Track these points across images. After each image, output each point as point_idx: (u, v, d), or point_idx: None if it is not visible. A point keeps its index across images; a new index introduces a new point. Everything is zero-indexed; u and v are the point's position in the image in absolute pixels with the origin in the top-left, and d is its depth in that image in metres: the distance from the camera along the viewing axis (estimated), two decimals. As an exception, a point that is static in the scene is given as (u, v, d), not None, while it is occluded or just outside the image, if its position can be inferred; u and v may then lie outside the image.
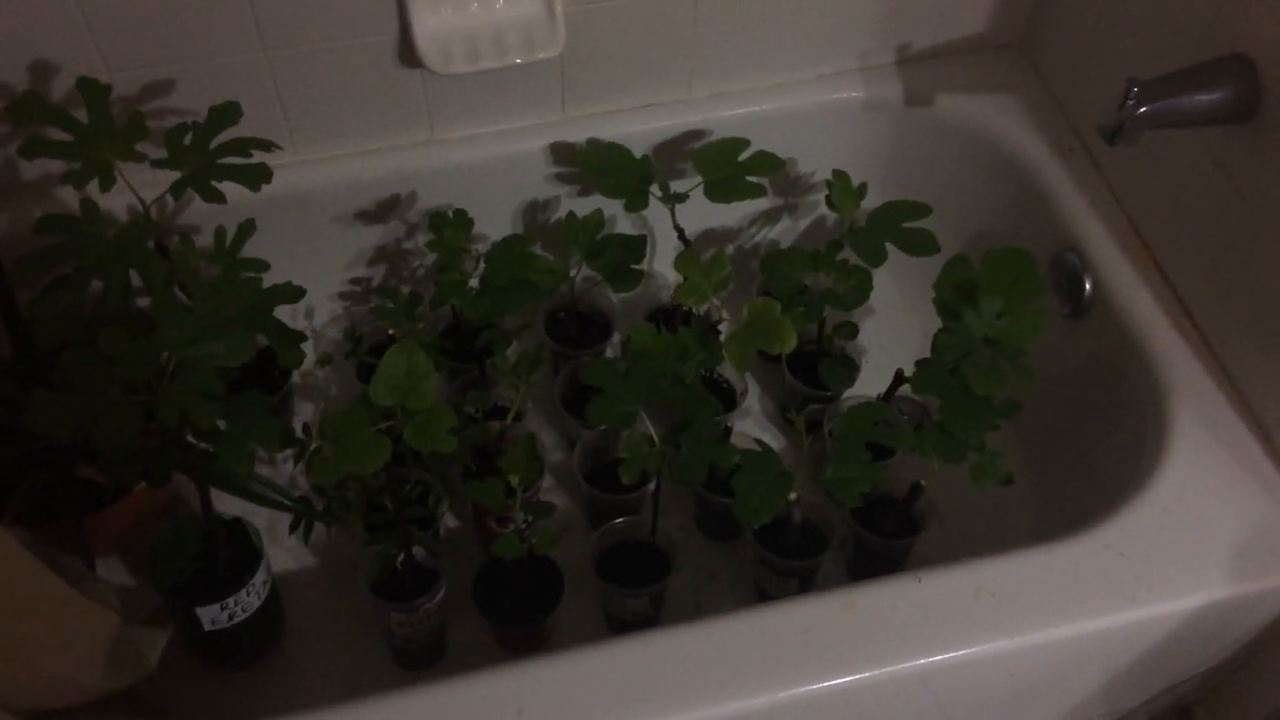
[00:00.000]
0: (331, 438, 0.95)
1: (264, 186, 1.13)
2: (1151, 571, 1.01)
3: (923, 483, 1.20)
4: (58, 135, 1.07)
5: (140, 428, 0.88)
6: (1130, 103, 1.01)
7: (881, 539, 1.21)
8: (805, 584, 1.23)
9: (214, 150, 1.08)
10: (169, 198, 1.09)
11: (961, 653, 0.97)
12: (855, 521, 1.21)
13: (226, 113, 1.10)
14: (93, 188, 1.07)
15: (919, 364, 1.14)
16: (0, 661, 0.84)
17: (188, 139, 1.08)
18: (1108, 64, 1.27)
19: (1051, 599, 0.99)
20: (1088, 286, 1.24)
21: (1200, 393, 1.13)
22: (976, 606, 0.99)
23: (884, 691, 0.99)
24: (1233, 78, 1.03)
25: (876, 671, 0.97)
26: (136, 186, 1.12)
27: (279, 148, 1.14)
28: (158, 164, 1.08)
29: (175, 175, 1.09)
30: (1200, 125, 1.06)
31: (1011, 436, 1.36)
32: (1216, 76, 1.04)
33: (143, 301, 1.24)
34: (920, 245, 1.24)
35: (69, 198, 1.21)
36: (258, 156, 1.11)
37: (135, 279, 1.14)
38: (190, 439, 0.98)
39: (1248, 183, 1.08)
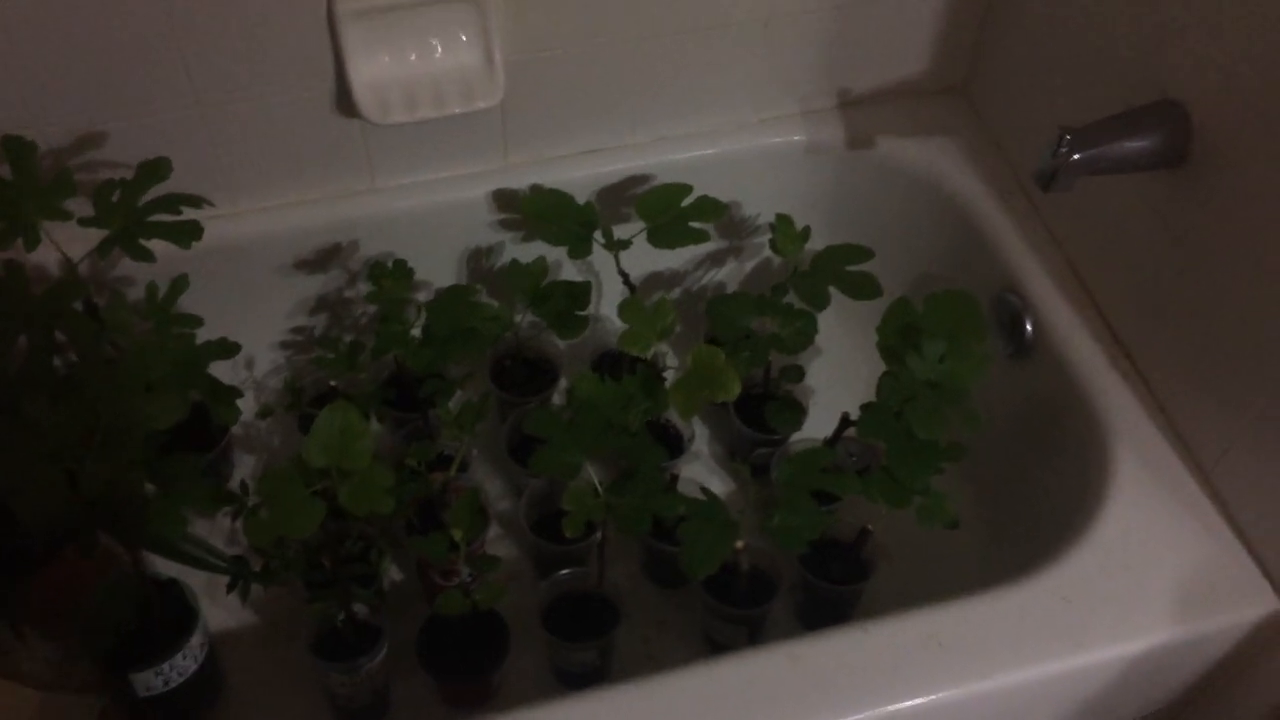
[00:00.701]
0: (265, 500, 0.93)
1: (202, 235, 1.11)
2: (1096, 616, 1.01)
3: (870, 527, 1.20)
4: (-18, 192, 1.04)
5: (64, 496, 0.86)
6: (1063, 150, 1.01)
7: (831, 585, 1.20)
8: (755, 631, 1.22)
9: (143, 207, 1.06)
10: (102, 259, 1.07)
11: (910, 703, 0.97)
12: (804, 568, 1.21)
13: (156, 168, 1.08)
14: (19, 248, 1.04)
15: (863, 407, 1.14)
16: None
17: (115, 196, 1.06)
18: (1045, 108, 1.29)
19: (999, 647, 0.99)
20: (1029, 327, 1.25)
21: (1140, 433, 1.13)
22: (924, 656, 0.99)
23: (832, 745, 0.98)
24: (1163, 123, 1.05)
25: (823, 725, 0.96)
26: (65, 242, 1.09)
27: (210, 204, 1.12)
28: (85, 223, 1.06)
29: (104, 231, 1.06)
30: (1133, 171, 1.07)
31: (957, 478, 1.36)
32: (1147, 122, 1.05)
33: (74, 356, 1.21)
34: (863, 289, 1.25)
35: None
36: (188, 214, 1.08)
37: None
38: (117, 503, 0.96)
39: (1182, 226, 1.09)
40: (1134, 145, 1.04)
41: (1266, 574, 1.04)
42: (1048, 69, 1.27)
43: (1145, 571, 1.04)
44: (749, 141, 1.40)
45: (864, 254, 1.26)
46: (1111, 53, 1.15)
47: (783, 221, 1.29)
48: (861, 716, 0.96)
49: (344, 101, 1.21)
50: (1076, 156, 1.02)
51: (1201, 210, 1.06)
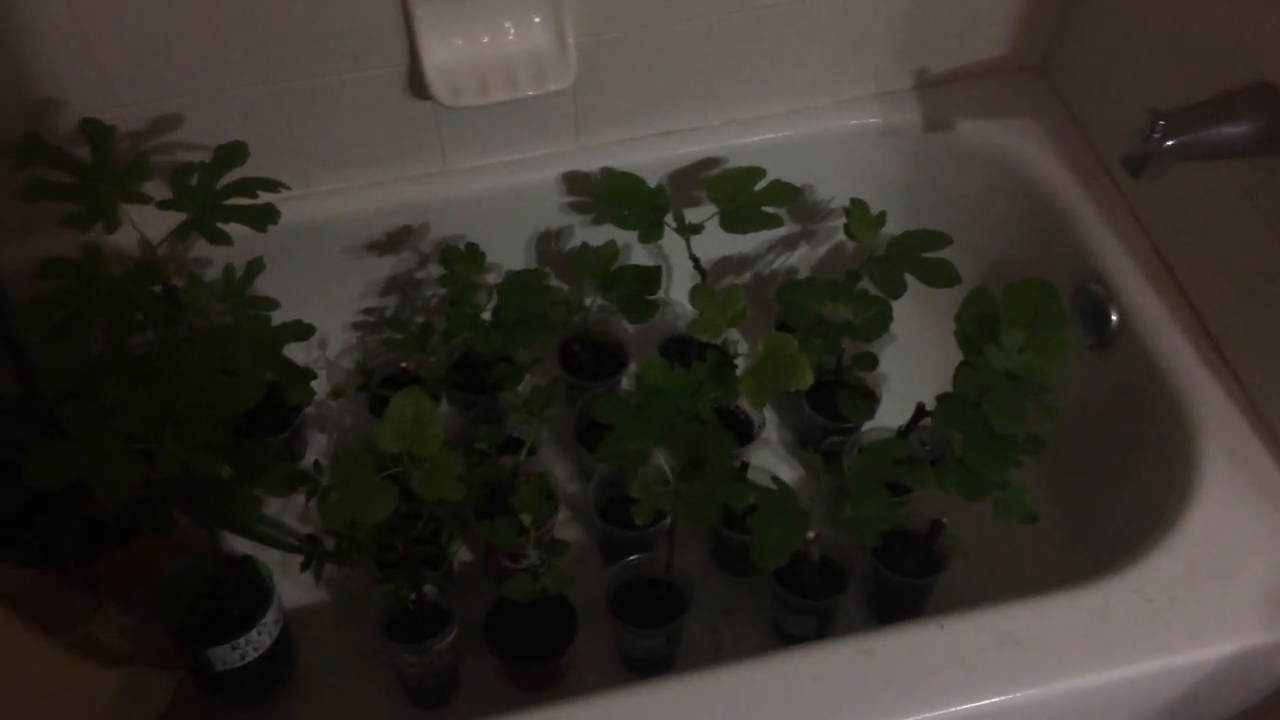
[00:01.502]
0: (338, 484, 0.93)
1: (279, 219, 1.11)
2: (1181, 617, 0.98)
3: (944, 520, 1.17)
4: (63, 177, 1.06)
5: (141, 478, 0.87)
6: (1156, 135, 0.98)
7: (903, 577, 1.18)
8: (824, 622, 1.21)
9: (220, 191, 1.07)
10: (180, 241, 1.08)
11: (984, 703, 0.95)
12: (875, 559, 1.19)
13: (233, 153, 1.08)
14: (99, 230, 1.06)
15: (940, 398, 1.11)
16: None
17: (194, 180, 1.07)
18: (1132, 88, 1.24)
19: (1077, 647, 0.97)
20: (1113, 318, 1.21)
21: (1230, 430, 1.09)
22: (1000, 654, 0.96)
23: (903, 741, 0.96)
24: (1259, 108, 1.00)
25: (895, 721, 0.94)
26: (145, 225, 1.11)
27: (286, 188, 1.13)
28: (163, 205, 1.07)
29: (181, 214, 1.08)
30: (1228, 157, 1.03)
31: (1034, 471, 1.32)
32: (1243, 107, 1.01)
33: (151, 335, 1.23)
34: (940, 276, 1.22)
35: (73, 238, 1.20)
36: (264, 197, 1.09)
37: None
38: (193, 484, 0.97)
39: (1277, 214, 1.04)
40: (1229, 131, 1.00)
41: (1362, 577, 1.01)
42: (1135, 48, 1.22)
43: (1233, 573, 1.00)
44: (823, 124, 1.37)
45: (942, 240, 1.23)
46: (1204, 32, 1.11)
47: (858, 206, 1.26)
48: (936, 714, 0.94)
49: (416, 84, 1.21)
50: (1170, 142, 0.98)
51: (1300, 198, 1.02)
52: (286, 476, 0.97)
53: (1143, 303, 1.19)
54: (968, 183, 1.38)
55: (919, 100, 1.37)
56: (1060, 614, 0.98)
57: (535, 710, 0.96)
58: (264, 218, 1.06)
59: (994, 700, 0.95)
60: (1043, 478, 1.32)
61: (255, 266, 1.10)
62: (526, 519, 1.11)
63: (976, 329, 1.11)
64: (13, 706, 0.84)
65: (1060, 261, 1.28)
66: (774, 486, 1.11)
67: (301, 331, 1.07)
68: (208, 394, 0.89)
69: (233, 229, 1.08)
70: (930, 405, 1.13)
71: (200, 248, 1.25)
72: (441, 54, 1.18)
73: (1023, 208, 1.34)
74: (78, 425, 0.85)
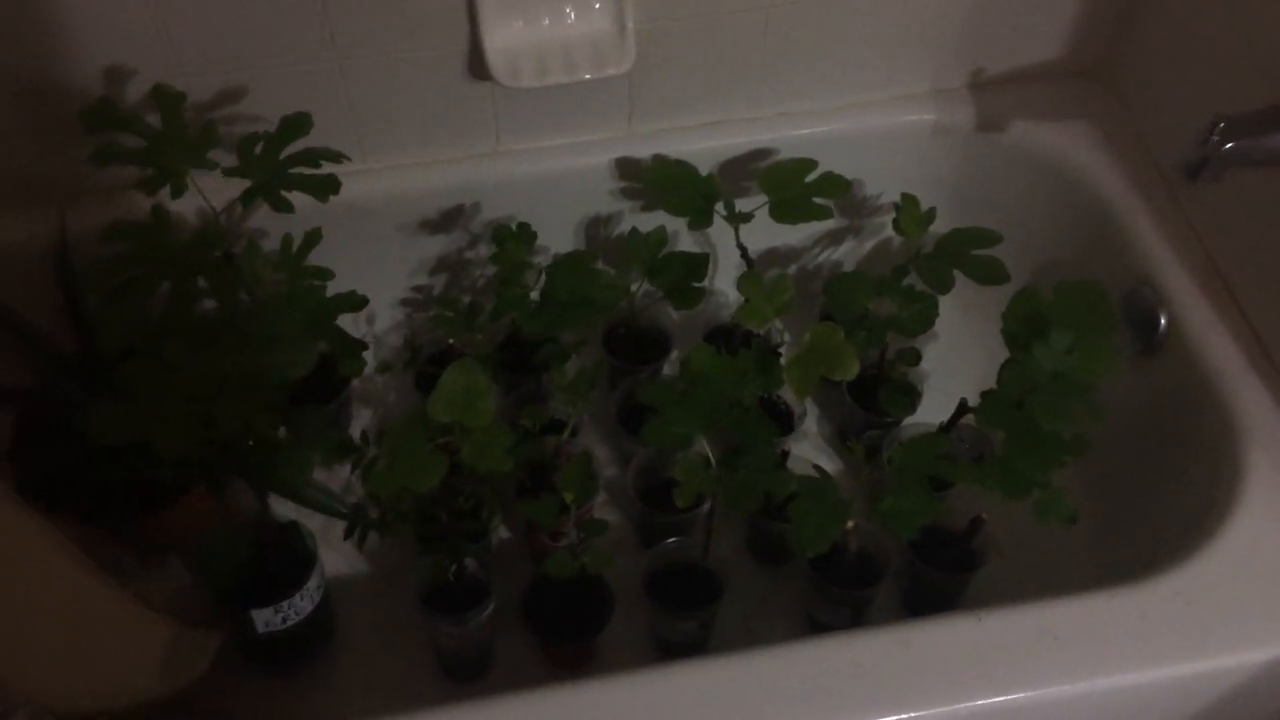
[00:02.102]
0: (388, 452, 0.95)
1: (340, 189, 1.13)
2: (1221, 622, 0.98)
3: (984, 516, 1.17)
4: (131, 140, 1.08)
5: (199, 437, 0.89)
6: (1215, 139, 0.97)
7: (939, 572, 1.19)
8: (859, 614, 1.21)
9: (284, 160, 1.09)
10: (238, 204, 1.10)
11: (1019, 695, 0.95)
12: (912, 554, 1.19)
13: (298, 123, 1.10)
14: (165, 192, 1.08)
15: (984, 395, 1.11)
16: (56, 666, 0.85)
17: (259, 148, 1.09)
18: (1192, 95, 1.24)
19: (1116, 645, 0.97)
20: (1162, 322, 1.21)
21: (1277, 438, 1.09)
22: (1038, 649, 0.97)
23: (937, 732, 0.97)
24: (1324, 115, 1.00)
25: (930, 711, 0.95)
26: (208, 193, 1.13)
27: (348, 159, 1.14)
28: (229, 173, 1.09)
29: (245, 183, 1.09)
30: (1288, 164, 1.03)
31: (1075, 473, 1.33)
32: (1307, 113, 1.00)
33: (209, 301, 1.25)
34: (990, 274, 1.22)
35: (141, 201, 1.22)
36: (326, 167, 1.11)
37: (203, 283, 1.15)
38: (249, 446, 0.99)
39: (1336, 223, 1.04)
40: (1291, 137, 1.00)
41: (1406, 590, 1.00)
42: (1196, 53, 1.22)
43: (1275, 580, 1.00)
44: (875, 119, 1.37)
45: (992, 238, 1.23)
46: (1268, 37, 1.10)
47: (908, 201, 1.27)
48: (972, 705, 0.94)
49: (476, 64, 1.22)
50: (1229, 146, 0.98)
51: (1359, 207, 1.01)
52: (339, 444, 0.99)
53: (1193, 308, 1.19)
54: (1019, 183, 1.38)
55: (974, 99, 1.38)
56: (1100, 612, 0.99)
57: (568, 686, 0.97)
58: (326, 187, 1.08)
59: (1031, 694, 0.95)
60: (1083, 481, 1.32)
61: (313, 236, 1.12)
62: (568, 497, 1.12)
63: (1024, 328, 1.11)
64: (74, 642, 0.86)
65: (1110, 265, 1.28)
66: (815, 475, 1.11)
67: (355, 302, 1.09)
68: (265, 359, 0.91)
69: (293, 205, 1.10)
70: (972, 403, 1.13)
71: (257, 219, 1.27)
72: (502, 35, 1.19)
73: (1074, 210, 1.33)
74: (140, 383, 0.86)
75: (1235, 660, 0.97)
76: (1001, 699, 0.95)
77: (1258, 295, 1.16)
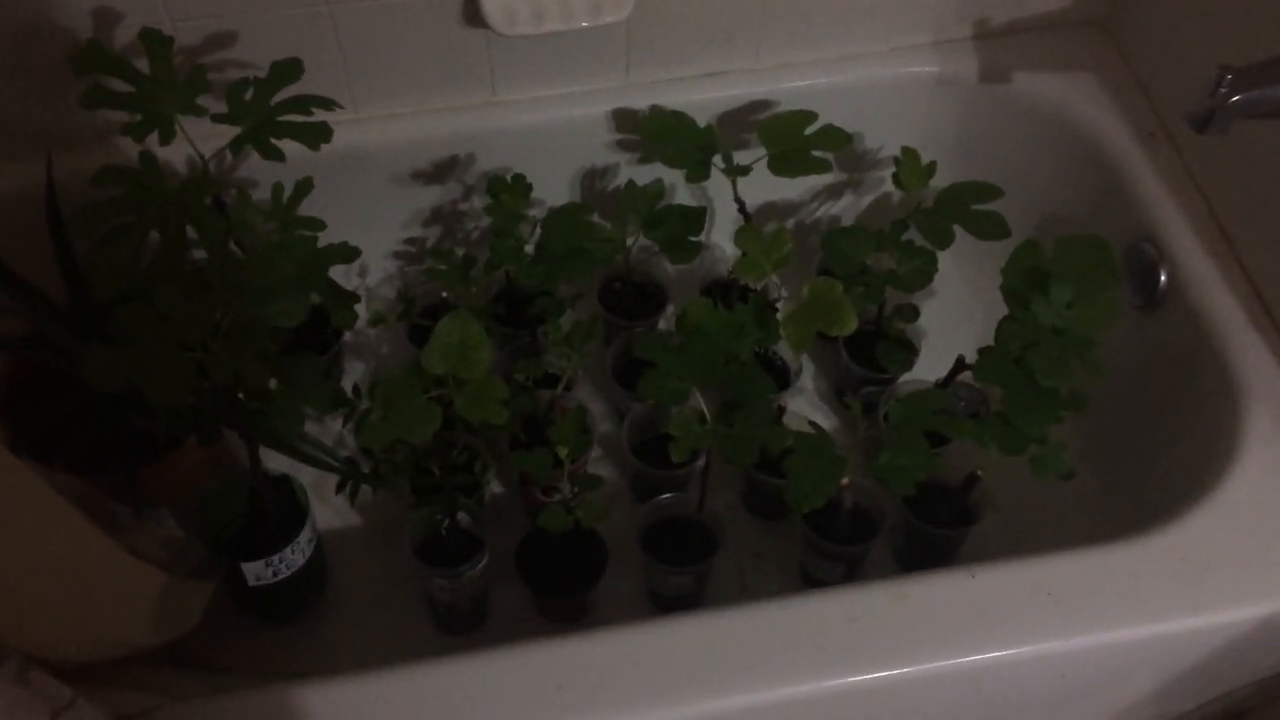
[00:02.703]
0: (382, 404, 0.94)
1: (331, 137, 1.11)
2: (1215, 578, 0.98)
3: (979, 472, 1.17)
4: (119, 86, 1.06)
5: (192, 385, 0.88)
6: (1222, 90, 0.96)
7: (934, 528, 1.18)
8: (853, 570, 1.21)
9: (274, 107, 1.07)
10: (228, 152, 1.09)
11: (1014, 651, 0.95)
12: (908, 509, 1.19)
13: (288, 69, 1.08)
14: (152, 140, 1.06)
15: (982, 351, 1.10)
16: (48, 617, 0.84)
17: (249, 94, 1.07)
18: (1197, 46, 1.22)
19: (1111, 601, 0.97)
20: (1163, 278, 1.20)
21: (1276, 394, 1.08)
22: (1032, 605, 0.97)
23: (931, 686, 0.97)
24: (1332, 67, 0.98)
25: (925, 666, 0.95)
26: (196, 140, 1.11)
27: (340, 106, 1.13)
28: (218, 119, 1.07)
29: (235, 130, 1.08)
30: (1294, 116, 1.01)
31: (1073, 429, 1.32)
32: (1315, 65, 0.98)
33: (199, 253, 1.23)
34: (990, 229, 1.21)
35: (129, 148, 1.21)
36: (318, 115, 1.09)
37: (192, 230, 1.13)
38: (241, 397, 0.98)
39: (1341, 178, 1.03)
40: (1298, 89, 0.98)
41: (1401, 548, 1.00)
42: (1202, 5, 1.20)
43: (1272, 536, 1.00)
44: (876, 71, 1.35)
45: (993, 192, 1.22)
46: (1278, -11, 1.08)
47: (908, 155, 1.25)
48: (965, 660, 0.94)
49: (471, 10, 1.20)
50: (1237, 98, 0.96)
51: (1365, 162, 1.00)
52: (331, 394, 0.98)
53: (1194, 263, 1.18)
54: (1021, 137, 1.36)
55: (976, 51, 1.36)
56: (1094, 569, 0.98)
57: (561, 640, 0.97)
58: (317, 134, 1.06)
59: (1025, 649, 0.95)
60: (1081, 437, 1.32)
61: (305, 186, 1.10)
62: (562, 451, 1.11)
63: (1024, 282, 1.10)
64: (65, 593, 0.86)
65: (1112, 220, 1.26)
66: (811, 431, 1.11)
67: (347, 253, 1.07)
68: (257, 307, 0.89)
69: (283, 153, 1.09)
70: (970, 359, 1.13)
71: (247, 168, 1.26)
72: (498, -19, 1.17)
73: (1077, 164, 1.32)
74: (133, 329, 0.85)
75: (1230, 616, 0.97)
76: (996, 654, 0.95)
77: (1259, 251, 1.15)
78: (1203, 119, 0.98)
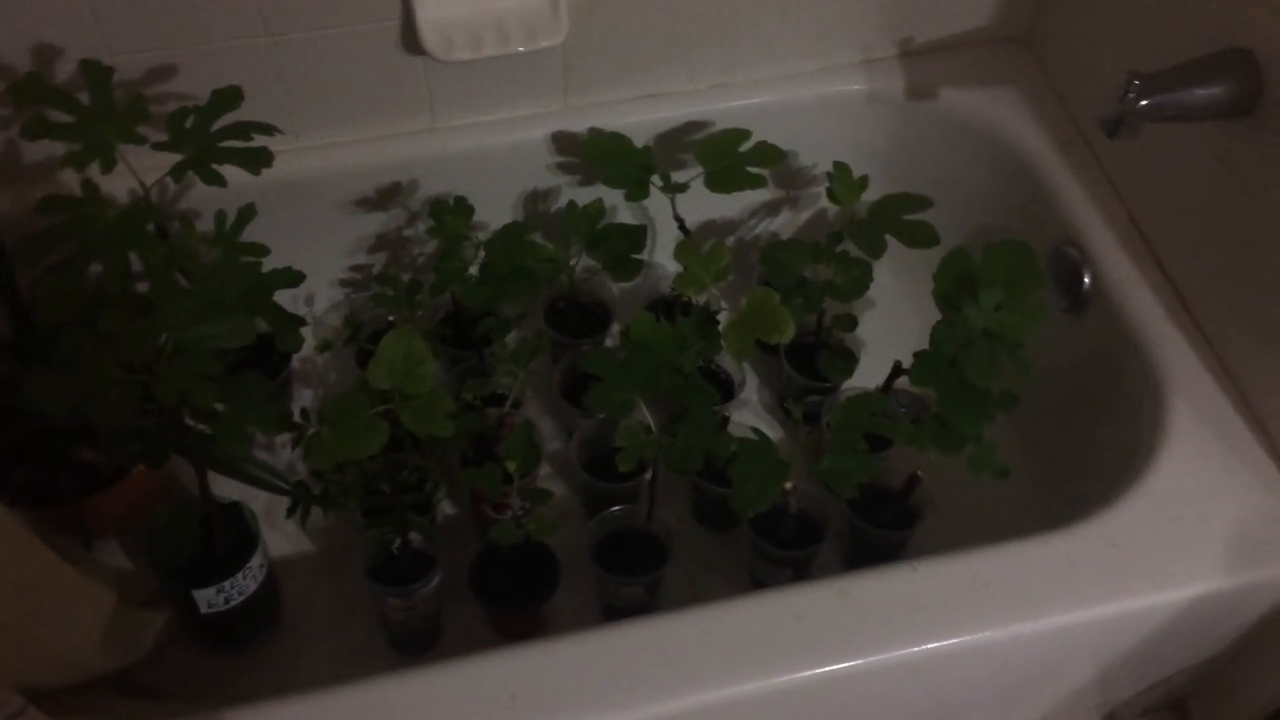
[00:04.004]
0: (329, 421, 0.95)
1: (266, 172, 1.13)
2: (1145, 563, 1.01)
3: (920, 474, 1.20)
4: (60, 118, 1.07)
5: (138, 408, 0.89)
6: (1131, 95, 1.01)
7: (878, 530, 1.21)
8: (800, 574, 1.23)
9: (215, 133, 1.09)
10: (171, 184, 1.10)
11: (955, 641, 0.98)
12: (852, 513, 1.22)
13: (228, 96, 1.10)
14: (95, 171, 1.07)
15: (917, 355, 1.14)
16: (-2, 640, 0.84)
17: (189, 122, 1.08)
18: (1111, 59, 1.27)
19: (1045, 589, 1.00)
20: (1086, 280, 1.25)
21: (1198, 387, 1.13)
22: (971, 596, 0.99)
23: (877, 679, 0.99)
24: (1233, 72, 1.04)
25: (870, 659, 0.97)
26: (138, 170, 1.12)
27: (280, 131, 1.14)
28: (158, 147, 1.08)
29: (176, 158, 1.09)
30: (1201, 119, 1.06)
31: (1009, 430, 1.36)
32: (1217, 70, 1.04)
33: (143, 287, 1.24)
34: (920, 237, 1.25)
35: (71, 180, 1.21)
36: (259, 141, 1.11)
37: (136, 263, 1.14)
38: (188, 421, 0.99)
39: (1249, 177, 1.08)
40: (1202, 93, 1.03)
41: (1321, 528, 1.04)
42: (1113, 19, 1.26)
43: (1197, 521, 1.04)
44: (808, 90, 1.39)
45: (922, 203, 1.26)
46: (1180, 3, 1.14)
47: (840, 169, 1.29)
48: (907, 652, 0.97)
49: (409, 38, 1.23)
50: (1145, 102, 1.01)
51: (1266, 160, 1.05)
52: (278, 415, 0.99)
53: (1115, 264, 1.22)
54: (949, 150, 1.41)
55: (903, 68, 1.40)
56: (1030, 559, 1.01)
57: (514, 649, 0.98)
58: (258, 159, 1.08)
59: (965, 639, 0.98)
60: (1017, 436, 1.36)
61: (247, 213, 1.11)
62: (511, 466, 1.13)
63: (954, 288, 1.14)
64: (16, 617, 0.86)
65: (1037, 226, 1.31)
66: (755, 438, 1.13)
67: (292, 278, 1.08)
68: (201, 328, 0.91)
69: (225, 179, 1.10)
70: (908, 364, 1.16)
71: (191, 198, 1.27)
72: (435, 8, 1.19)
73: (1002, 174, 1.37)
74: (77, 353, 0.86)
75: (1160, 599, 1.00)
76: (937, 645, 0.97)
77: (1174, 249, 1.20)
78: (1114, 123, 1.02)
